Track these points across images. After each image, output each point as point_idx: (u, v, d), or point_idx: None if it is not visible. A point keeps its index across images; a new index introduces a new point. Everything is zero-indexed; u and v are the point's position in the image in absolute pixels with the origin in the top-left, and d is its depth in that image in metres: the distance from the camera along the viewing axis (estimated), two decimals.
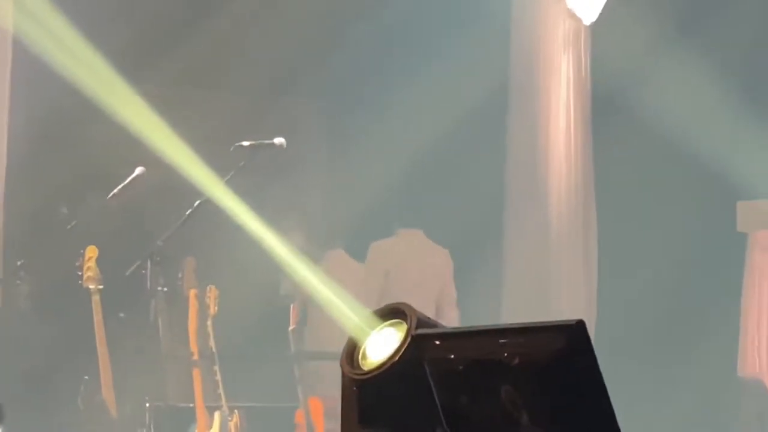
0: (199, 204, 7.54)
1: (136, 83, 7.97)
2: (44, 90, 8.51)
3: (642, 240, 10.01)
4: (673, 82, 9.32)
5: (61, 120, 9.06)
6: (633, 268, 9.99)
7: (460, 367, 4.33)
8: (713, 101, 9.29)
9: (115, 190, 7.75)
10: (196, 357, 8.03)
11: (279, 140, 7.70)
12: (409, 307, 4.51)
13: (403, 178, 9.85)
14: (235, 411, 7.88)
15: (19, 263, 8.26)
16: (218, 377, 8.10)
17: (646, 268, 9.83)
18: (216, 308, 8.26)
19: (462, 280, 9.66)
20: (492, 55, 9.89)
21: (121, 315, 8.10)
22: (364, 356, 4.68)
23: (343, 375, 4.67)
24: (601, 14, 9.76)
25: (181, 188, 7.64)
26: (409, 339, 4.22)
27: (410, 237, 8.98)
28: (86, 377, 7.99)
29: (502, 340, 4.12)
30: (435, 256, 9.06)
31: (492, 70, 9.93)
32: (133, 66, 8.15)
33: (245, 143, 7.52)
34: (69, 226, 8.22)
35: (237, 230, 7.95)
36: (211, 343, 8.18)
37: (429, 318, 4.32)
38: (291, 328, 8.70)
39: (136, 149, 7.68)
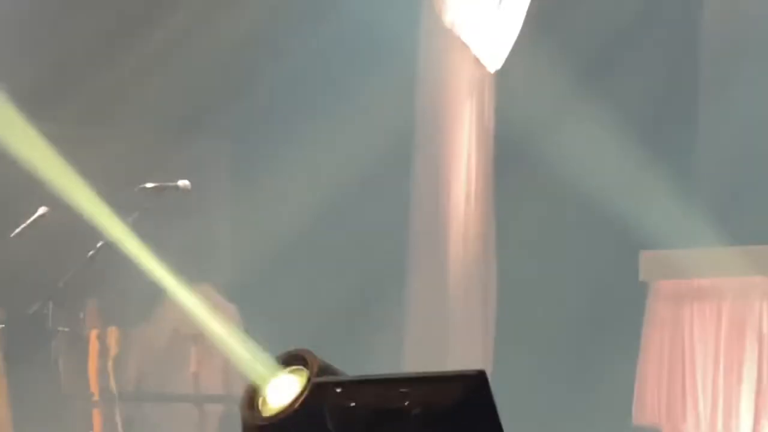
0: (102, 245, 7.49)
1: (38, 122, 7.94)
2: None
3: (543, 288, 9.99)
4: (577, 131, 9.49)
5: None
6: (534, 316, 9.99)
7: (361, 416, 4.35)
8: (617, 150, 9.34)
9: (18, 230, 7.67)
10: (96, 398, 7.98)
11: (183, 183, 7.70)
12: (311, 353, 4.61)
13: (308, 221, 9.75)
14: None
15: None
16: (118, 418, 8.11)
17: (547, 316, 9.87)
18: (117, 349, 8.25)
19: (364, 327, 9.67)
20: (398, 100, 9.94)
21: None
22: (264, 402, 4.58)
23: (244, 420, 4.79)
24: (506, 62, 9.82)
25: (84, 229, 7.53)
26: (309, 386, 4.23)
27: (198, 292, 9.01)
28: None
29: (403, 389, 3.97)
30: (222, 310, 9.07)
31: (398, 114, 9.97)
32: (35, 104, 8.12)
33: (149, 185, 7.52)
34: None
35: (140, 271, 7.87)
36: (112, 384, 8.14)
37: (330, 365, 4.46)
38: (192, 370, 8.84)
39: (38, 189, 7.62)
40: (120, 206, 7.50)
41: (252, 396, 4.82)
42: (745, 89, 9.85)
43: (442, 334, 9.94)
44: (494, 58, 9.83)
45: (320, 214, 9.85)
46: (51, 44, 9.61)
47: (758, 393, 9.57)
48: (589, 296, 9.63)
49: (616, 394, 9.58)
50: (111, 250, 7.59)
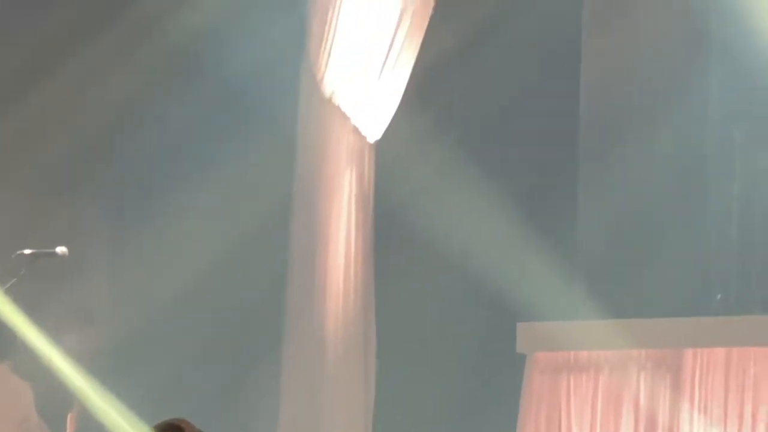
0: None
1: None
2: None
3: (421, 359, 9.98)
4: (456, 202, 9.50)
5: None
6: (411, 387, 9.88)
7: None
8: (495, 222, 9.36)
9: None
10: None
11: (61, 249, 7.58)
12: (187, 423, 4.68)
13: (186, 288, 9.55)
14: None
15: None
16: None
17: (424, 388, 9.79)
18: None
19: (242, 394, 9.61)
20: (277, 167, 9.93)
21: None
22: None
23: None
24: (385, 132, 9.82)
25: None
26: None
27: None
28: None
29: None
30: (14, 390, 8.98)
31: (277, 182, 9.94)
32: None
33: (27, 251, 7.42)
34: None
35: (15, 337, 8.04)
36: None
37: None
38: None
39: None
40: None
41: None
42: (623, 163, 9.92)
43: (318, 406, 9.77)
44: (374, 129, 9.85)
45: (198, 280, 9.68)
46: None
47: None
48: (468, 367, 9.59)
49: None
50: None
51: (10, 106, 9.75)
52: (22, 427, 9.04)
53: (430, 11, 10.17)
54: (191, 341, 9.73)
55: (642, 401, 9.48)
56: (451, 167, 9.78)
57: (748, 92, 10.18)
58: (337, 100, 9.98)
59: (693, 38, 11.22)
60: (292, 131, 9.82)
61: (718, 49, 10.23)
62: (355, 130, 9.82)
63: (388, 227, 9.70)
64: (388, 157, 9.72)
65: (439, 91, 10.16)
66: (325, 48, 10.14)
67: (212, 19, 10.08)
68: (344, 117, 9.87)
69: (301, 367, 9.91)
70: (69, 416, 8.50)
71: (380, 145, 9.74)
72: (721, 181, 10.05)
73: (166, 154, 10.05)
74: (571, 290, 9.46)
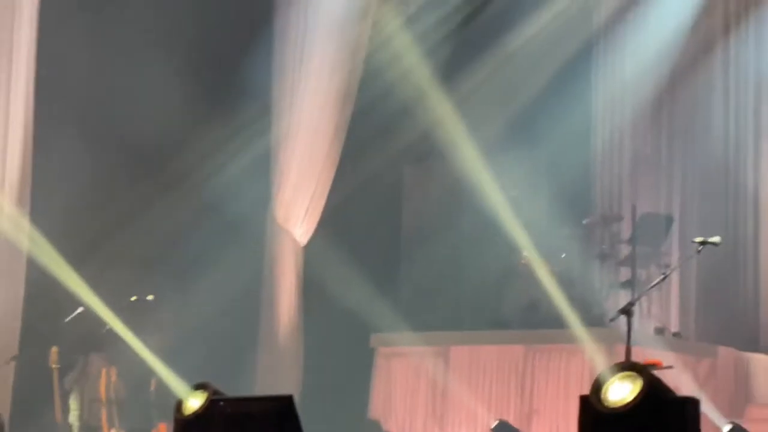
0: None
1: None
2: None
3: (322, 352, 12.74)
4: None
5: None
6: (314, 367, 12.62)
7: (230, 416, 6.38)
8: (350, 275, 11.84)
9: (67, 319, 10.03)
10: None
11: (150, 297, 10.36)
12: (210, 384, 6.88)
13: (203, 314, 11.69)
14: None
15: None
16: None
17: (320, 369, 12.63)
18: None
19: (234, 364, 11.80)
20: (252, 264, 12.65)
21: None
22: (187, 407, 6.73)
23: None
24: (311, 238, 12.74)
25: None
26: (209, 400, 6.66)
27: None
28: None
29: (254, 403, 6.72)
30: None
31: (252, 270, 12.47)
32: None
33: (133, 298, 10.29)
34: None
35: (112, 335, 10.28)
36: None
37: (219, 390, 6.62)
38: None
39: None
40: None
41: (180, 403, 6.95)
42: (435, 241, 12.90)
43: (276, 360, 12.28)
44: (304, 237, 13.02)
45: (212, 311, 11.78)
46: None
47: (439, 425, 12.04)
48: (343, 357, 12.45)
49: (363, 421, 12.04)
50: None
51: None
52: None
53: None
54: (216, 340, 11.84)
55: (430, 375, 12.14)
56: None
57: None
58: (285, 224, 12.75)
59: None
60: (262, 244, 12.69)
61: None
62: (294, 240, 12.78)
63: (314, 291, 12.50)
64: (313, 254, 12.56)
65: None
66: (282, 195, 12.79)
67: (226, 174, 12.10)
68: (290, 235, 12.76)
69: (269, 344, 12.62)
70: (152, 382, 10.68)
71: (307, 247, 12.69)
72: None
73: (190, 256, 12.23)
74: (397, 317, 12.12)
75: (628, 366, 5.89)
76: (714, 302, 13.51)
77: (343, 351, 12.67)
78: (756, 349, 12.73)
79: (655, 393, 5.70)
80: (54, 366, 10.74)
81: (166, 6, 11.84)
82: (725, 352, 12.24)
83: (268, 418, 6.45)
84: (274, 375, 12.52)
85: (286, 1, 12.77)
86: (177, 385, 9.13)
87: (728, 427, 10.46)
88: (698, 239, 9.00)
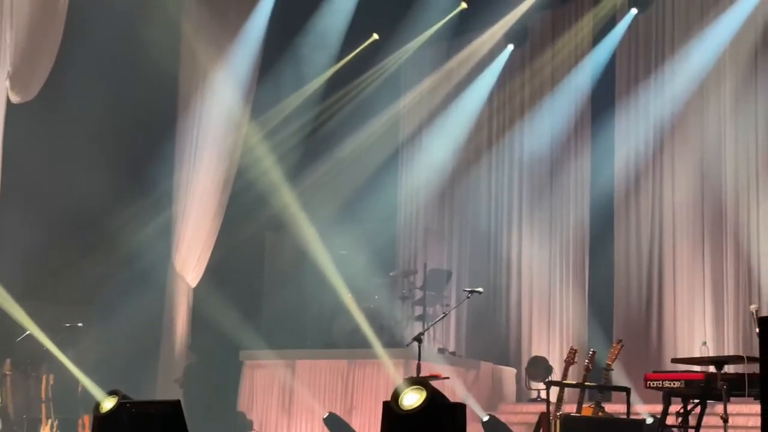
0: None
1: None
2: None
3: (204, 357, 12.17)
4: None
5: None
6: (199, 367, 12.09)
7: (136, 415, 5.86)
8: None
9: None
10: None
11: (80, 324, 10.25)
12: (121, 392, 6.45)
13: None
14: None
15: None
16: None
17: (208, 372, 12.10)
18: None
19: None
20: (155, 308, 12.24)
21: None
22: (104, 407, 6.17)
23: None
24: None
25: None
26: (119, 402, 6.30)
27: None
28: None
29: (154, 405, 6.20)
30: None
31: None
32: None
33: (67, 324, 10.10)
34: None
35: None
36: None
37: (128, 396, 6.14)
38: None
39: None
40: None
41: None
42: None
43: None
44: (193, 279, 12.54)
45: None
46: None
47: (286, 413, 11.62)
48: (213, 372, 12.10)
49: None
50: None
51: None
52: None
53: None
54: (127, 357, 11.37)
55: (282, 381, 11.90)
56: None
57: None
58: (181, 272, 12.49)
59: None
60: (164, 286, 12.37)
61: None
62: (187, 283, 12.46)
63: (200, 320, 12.10)
64: (200, 293, 12.22)
65: None
66: (179, 251, 12.50)
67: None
68: (184, 280, 12.39)
69: (167, 360, 12.23)
70: None
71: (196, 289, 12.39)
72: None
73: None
74: (259, 339, 12.01)
75: (417, 380, 5.83)
76: (478, 331, 13.50)
77: (219, 363, 12.44)
78: (506, 363, 12.86)
79: (435, 400, 5.65)
80: (8, 373, 10.56)
81: (97, 113, 11.40)
82: (485, 366, 12.32)
83: (163, 417, 6.25)
84: (169, 383, 12.15)
85: (184, 113, 12.56)
86: (96, 390, 9.37)
87: (486, 417, 10.54)
88: (468, 288, 8.96)
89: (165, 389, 11.91)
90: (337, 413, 11.10)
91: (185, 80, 12.43)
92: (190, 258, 12.48)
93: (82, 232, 11.75)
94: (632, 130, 12.36)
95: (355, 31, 13.06)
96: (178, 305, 12.41)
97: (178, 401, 6.08)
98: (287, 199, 12.30)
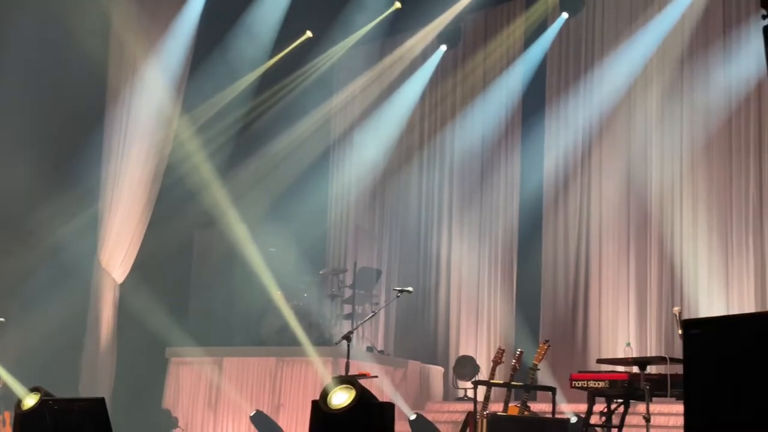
0: None
1: None
2: None
3: (134, 354, 11.89)
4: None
5: None
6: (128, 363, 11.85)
7: (58, 412, 5.86)
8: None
9: None
10: None
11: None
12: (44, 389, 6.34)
13: None
14: None
15: None
16: None
17: (139, 366, 11.92)
18: None
19: None
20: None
21: None
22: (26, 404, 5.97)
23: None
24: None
25: None
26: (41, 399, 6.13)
27: None
28: None
29: (78, 403, 5.94)
30: None
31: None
32: None
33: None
34: None
35: None
36: None
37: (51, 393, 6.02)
38: None
39: None
40: None
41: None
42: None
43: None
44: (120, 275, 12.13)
45: None
46: None
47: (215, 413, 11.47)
48: (139, 369, 11.96)
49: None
50: None
51: None
52: None
53: None
54: (51, 353, 10.91)
55: (209, 378, 11.81)
56: None
57: None
58: (107, 267, 12.11)
59: None
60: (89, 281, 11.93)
61: None
62: (113, 279, 12.10)
63: (126, 316, 11.79)
64: (126, 290, 11.92)
65: None
66: (106, 246, 12.09)
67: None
68: (110, 275, 12.03)
69: (91, 356, 11.81)
70: None
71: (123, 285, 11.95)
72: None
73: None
74: (185, 336, 11.81)
75: (346, 379, 5.80)
76: (407, 330, 13.53)
77: (145, 360, 12.29)
78: (434, 362, 12.85)
79: (363, 399, 5.63)
80: None
81: (23, 105, 11.20)
82: (413, 365, 12.32)
83: (86, 414, 6.20)
84: (94, 380, 11.91)
85: (113, 107, 12.26)
86: (17, 386, 8.96)
87: (414, 416, 10.57)
88: (398, 287, 8.92)
89: (89, 387, 11.75)
90: (265, 411, 11.05)
91: (114, 73, 12.19)
92: (117, 253, 12.20)
93: (5, 225, 11.51)
94: (562, 133, 12.49)
95: (288, 28, 12.97)
96: (103, 301, 12.05)
97: (102, 399, 6.03)
98: (217, 195, 12.20)
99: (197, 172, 12.17)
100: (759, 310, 9.89)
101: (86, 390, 11.56)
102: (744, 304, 10.56)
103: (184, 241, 12.78)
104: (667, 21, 11.63)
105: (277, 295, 11.84)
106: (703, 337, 3.69)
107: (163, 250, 12.30)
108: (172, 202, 12.24)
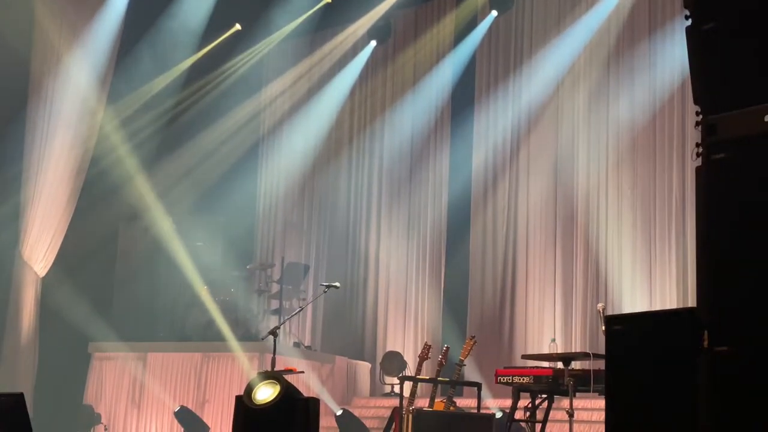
0: None
1: None
2: None
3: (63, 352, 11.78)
4: None
5: None
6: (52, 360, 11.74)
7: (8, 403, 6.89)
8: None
9: None
10: None
11: None
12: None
13: None
14: None
15: None
16: None
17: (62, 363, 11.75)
18: None
19: None
20: None
21: None
22: None
23: None
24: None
25: None
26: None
27: None
28: None
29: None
30: None
31: None
32: None
33: None
34: None
35: None
36: None
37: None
38: None
39: None
40: None
41: None
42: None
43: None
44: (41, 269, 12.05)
45: None
46: None
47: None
48: (60, 365, 11.83)
49: None
50: None
51: None
52: None
53: None
54: None
55: (132, 373, 11.70)
56: None
57: None
58: (29, 261, 12.02)
59: None
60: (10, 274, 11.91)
61: None
62: (35, 273, 12.04)
63: (48, 311, 11.75)
64: (49, 283, 11.81)
65: None
66: (27, 239, 12.05)
67: None
68: (32, 269, 12.01)
69: (11, 351, 11.77)
70: None
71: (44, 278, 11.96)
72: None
73: None
74: (109, 331, 11.73)
75: (271, 374, 5.81)
76: (334, 325, 13.49)
77: (67, 355, 12.10)
78: (361, 358, 12.90)
79: (289, 395, 5.67)
80: None
81: None
82: (340, 360, 12.29)
83: (4, 410, 5.99)
84: (14, 375, 11.74)
85: (36, 97, 12.13)
86: None
87: (340, 411, 10.59)
88: (325, 283, 8.98)
89: (9, 382, 11.41)
90: (189, 407, 10.99)
91: (37, 62, 12.06)
92: (39, 246, 12.10)
93: None
94: (490, 130, 12.59)
95: (217, 20, 12.86)
96: (24, 295, 11.98)
97: (21, 394, 5.89)
98: (143, 188, 12.22)
99: (122, 165, 12.05)
100: (681, 306, 9.98)
101: (6, 386, 10.98)
102: (666, 300, 10.67)
103: (108, 234, 12.61)
104: (594, 21, 11.77)
105: (203, 290, 11.75)
106: (625, 333, 3.72)
107: (86, 244, 12.20)
108: (97, 195, 12.13)
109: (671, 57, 11.05)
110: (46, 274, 12.16)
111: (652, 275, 10.99)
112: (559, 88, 12.04)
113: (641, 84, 11.39)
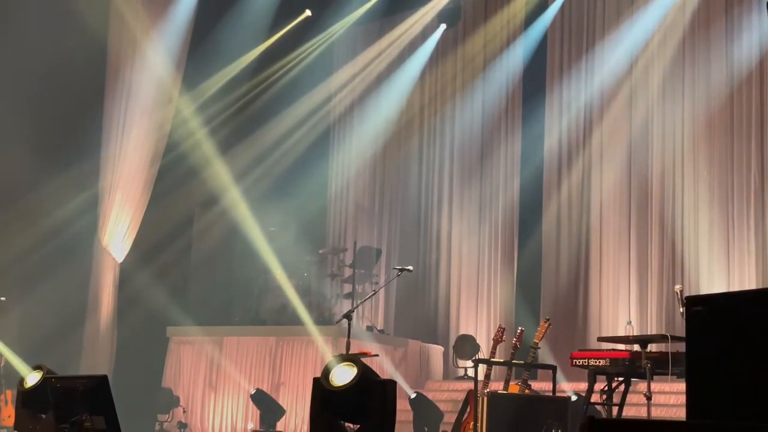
0: None
1: None
2: None
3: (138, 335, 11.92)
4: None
5: None
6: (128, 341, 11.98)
7: (61, 390, 6.05)
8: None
9: None
10: None
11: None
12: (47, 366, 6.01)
13: None
14: None
15: None
16: None
17: (137, 348, 11.92)
18: None
19: None
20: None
21: None
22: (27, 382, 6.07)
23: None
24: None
25: None
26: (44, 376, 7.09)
27: None
28: None
29: (80, 380, 5.89)
30: None
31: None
32: None
33: None
34: None
35: None
36: None
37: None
38: None
39: None
40: None
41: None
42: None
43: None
44: (119, 254, 12.18)
45: None
46: None
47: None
48: (139, 348, 12.04)
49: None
50: None
51: None
52: None
53: None
54: (52, 331, 11.07)
55: (209, 357, 11.93)
56: None
57: None
58: (107, 247, 12.15)
59: None
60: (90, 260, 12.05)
61: None
62: (113, 259, 12.22)
63: (126, 295, 12.00)
64: (127, 269, 12.07)
65: None
66: (106, 226, 12.20)
67: None
68: (110, 255, 12.12)
69: (92, 334, 11.93)
70: None
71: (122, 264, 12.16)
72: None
73: None
74: (186, 315, 11.84)
75: (348, 357, 5.79)
76: (407, 309, 13.46)
77: (145, 339, 12.27)
78: (434, 342, 12.89)
79: (366, 377, 5.64)
80: None
81: (23, 84, 11.30)
82: (413, 344, 12.33)
83: (88, 392, 6.07)
84: (94, 359, 12.00)
85: (113, 86, 12.29)
86: (19, 365, 9.08)
87: (414, 394, 10.62)
88: (398, 266, 8.91)
89: (90, 366, 11.76)
90: (265, 390, 11.04)
91: (115, 50, 12.22)
92: (117, 232, 12.25)
93: (6, 204, 11.57)
94: (563, 112, 12.51)
95: (287, 7, 12.99)
96: (103, 280, 12.14)
97: (105, 376, 6.00)
98: (217, 174, 12.43)
99: (197, 151, 12.19)
100: (760, 287, 9.82)
101: (87, 369, 11.59)
102: (745, 281, 10.56)
103: (184, 219, 12.75)
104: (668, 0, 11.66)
105: (278, 274, 11.81)
106: (706, 314, 3.63)
107: (163, 229, 12.34)
108: (173, 181, 12.25)
109: (748, 34, 10.99)
110: (124, 260, 12.35)
111: (730, 257, 10.90)
112: (633, 68, 11.93)
113: (717, 62, 11.30)
